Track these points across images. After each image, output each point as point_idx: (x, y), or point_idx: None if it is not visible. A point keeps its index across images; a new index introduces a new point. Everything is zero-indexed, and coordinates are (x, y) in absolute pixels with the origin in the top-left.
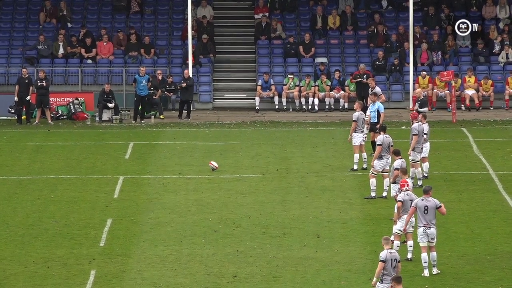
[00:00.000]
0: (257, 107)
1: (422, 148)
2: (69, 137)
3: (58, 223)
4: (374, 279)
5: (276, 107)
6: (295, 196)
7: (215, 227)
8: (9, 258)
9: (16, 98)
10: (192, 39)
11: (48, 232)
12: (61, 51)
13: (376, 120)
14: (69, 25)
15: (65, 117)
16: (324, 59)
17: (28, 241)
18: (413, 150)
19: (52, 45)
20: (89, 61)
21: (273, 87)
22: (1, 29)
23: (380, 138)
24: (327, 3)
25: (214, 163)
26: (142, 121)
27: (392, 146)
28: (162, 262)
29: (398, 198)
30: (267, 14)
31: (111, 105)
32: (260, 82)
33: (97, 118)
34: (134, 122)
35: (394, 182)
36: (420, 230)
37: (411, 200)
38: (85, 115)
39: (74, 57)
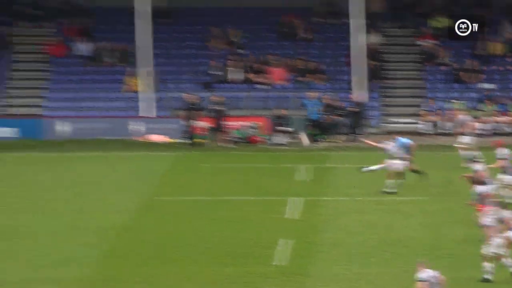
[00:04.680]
0: (423, 131)
1: None
2: (244, 159)
3: (234, 242)
4: None
5: (441, 131)
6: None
7: (384, 248)
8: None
9: (188, 122)
10: (360, 65)
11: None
12: (233, 76)
13: None
14: (240, 51)
15: (240, 140)
16: (489, 85)
17: (202, 260)
18: None
19: (224, 70)
20: (261, 86)
21: (438, 112)
22: (173, 55)
23: None
24: (489, 30)
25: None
26: (313, 144)
27: None
28: (339, 281)
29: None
30: (432, 40)
31: (285, 129)
32: (426, 107)
33: (271, 141)
34: (306, 145)
35: None
36: None
37: None
38: (260, 139)
39: (246, 83)
